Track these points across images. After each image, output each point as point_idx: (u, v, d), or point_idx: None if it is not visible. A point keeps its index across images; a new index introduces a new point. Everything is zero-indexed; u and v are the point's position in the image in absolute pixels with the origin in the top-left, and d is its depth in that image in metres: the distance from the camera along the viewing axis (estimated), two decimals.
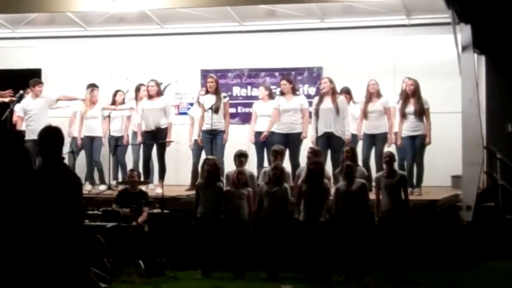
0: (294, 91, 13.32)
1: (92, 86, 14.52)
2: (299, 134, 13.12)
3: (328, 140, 12.75)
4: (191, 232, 11.64)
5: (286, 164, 12.88)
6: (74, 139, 14.52)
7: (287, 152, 12.94)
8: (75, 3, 13.95)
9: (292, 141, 13.05)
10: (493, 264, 12.04)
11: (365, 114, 13.35)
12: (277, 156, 12.27)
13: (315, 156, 11.90)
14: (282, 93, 13.35)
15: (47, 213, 5.57)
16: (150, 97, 13.66)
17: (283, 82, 13.37)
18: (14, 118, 14.56)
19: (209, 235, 11.50)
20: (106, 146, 14.31)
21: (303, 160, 12.63)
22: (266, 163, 13.00)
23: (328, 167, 12.55)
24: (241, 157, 12.23)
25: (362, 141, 13.48)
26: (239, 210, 11.55)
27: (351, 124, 13.38)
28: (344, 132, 12.83)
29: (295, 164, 12.91)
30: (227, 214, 11.63)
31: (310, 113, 13.24)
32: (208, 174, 11.81)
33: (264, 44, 15.40)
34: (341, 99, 13.05)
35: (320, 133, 12.73)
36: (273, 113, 13.26)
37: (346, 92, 13.74)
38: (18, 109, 14.37)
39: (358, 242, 11.01)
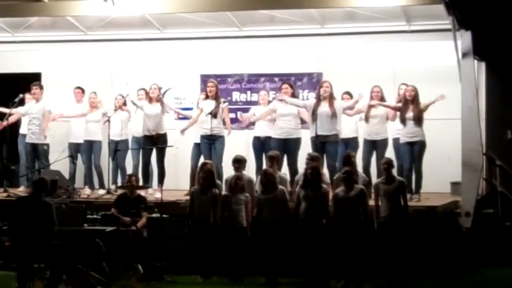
0: (293, 96, 13.31)
1: (79, 89, 14.61)
2: (297, 139, 13.12)
3: (323, 146, 12.74)
4: (187, 237, 11.63)
5: (285, 170, 12.91)
6: (71, 143, 14.54)
7: (285, 158, 12.95)
8: (75, 7, 13.96)
9: (289, 146, 13.06)
10: (492, 271, 12.02)
11: (366, 119, 13.39)
12: (273, 162, 12.27)
13: (313, 162, 11.89)
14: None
15: None
16: (150, 101, 13.67)
17: (285, 86, 13.34)
18: (13, 119, 14.58)
19: (204, 241, 11.49)
20: (106, 150, 14.30)
21: (301, 166, 12.61)
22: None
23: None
24: (236, 163, 12.24)
25: (363, 147, 13.49)
26: (236, 216, 11.54)
27: (353, 128, 13.47)
28: (338, 132, 12.84)
29: (293, 169, 12.91)
30: (224, 219, 11.61)
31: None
32: (203, 181, 11.80)
33: (264, 49, 15.40)
34: (338, 102, 13.06)
35: (316, 135, 12.72)
36: (267, 111, 13.36)
37: (348, 94, 13.69)
38: (22, 110, 14.43)
39: (357, 248, 11.00)
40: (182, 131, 13.88)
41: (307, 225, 11.20)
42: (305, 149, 12.88)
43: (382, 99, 13.42)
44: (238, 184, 11.67)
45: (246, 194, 11.68)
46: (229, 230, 11.52)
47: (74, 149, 14.43)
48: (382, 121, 13.38)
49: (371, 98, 13.39)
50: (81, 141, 14.43)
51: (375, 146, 13.35)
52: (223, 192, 11.89)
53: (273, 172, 11.83)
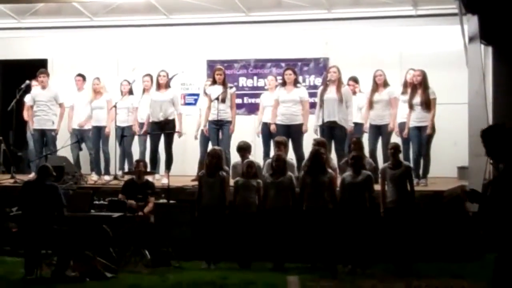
0: (295, 82, 13.28)
1: (80, 76, 14.62)
2: (301, 125, 13.07)
3: (331, 131, 12.72)
4: (196, 222, 11.65)
5: (291, 155, 12.90)
6: (75, 130, 14.54)
7: (290, 143, 12.96)
8: None
9: (294, 132, 13.02)
10: None
11: (371, 104, 13.38)
12: (280, 146, 12.25)
13: (318, 147, 11.86)
14: (283, 83, 13.31)
15: None
16: (159, 87, 13.67)
17: (289, 72, 13.26)
18: (26, 115, 14.62)
19: (214, 225, 11.51)
20: (113, 136, 14.32)
21: (307, 151, 12.60)
22: (272, 154, 12.97)
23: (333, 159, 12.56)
24: (242, 150, 12.29)
25: (368, 132, 13.48)
26: (248, 202, 11.55)
27: (356, 114, 13.43)
28: (347, 121, 12.80)
29: (299, 155, 12.87)
30: (236, 204, 11.62)
31: (311, 103, 13.36)
32: (210, 164, 11.79)
33: (270, 34, 15.38)
34: (346, 89, 13.02)
35: (323, 122, 12.69)
36: (274, 104, 13.27)
37: (354, 80, 13.74)
38: (27, 99, 14.45)
39: (363, 233, 11.01)
40: (195, 136, 13.91)
41: (312, 211, 11.20)
42: (312, 135, 12.87)
43: (385, 82, 13.40)
44: (250, 172, 11.67)
45: (258, 180, 11.67)
46: (240, 216, 11.54)
47: (79, 135, 14.42)
48: (387, 105, 13.36)
49: (374, 82, 13.39)
50: (85, 127, 14.42)
51: (381, 130, 13.34)
52: (236, 178, 11.88)
53: (284, 158, 11.82)
